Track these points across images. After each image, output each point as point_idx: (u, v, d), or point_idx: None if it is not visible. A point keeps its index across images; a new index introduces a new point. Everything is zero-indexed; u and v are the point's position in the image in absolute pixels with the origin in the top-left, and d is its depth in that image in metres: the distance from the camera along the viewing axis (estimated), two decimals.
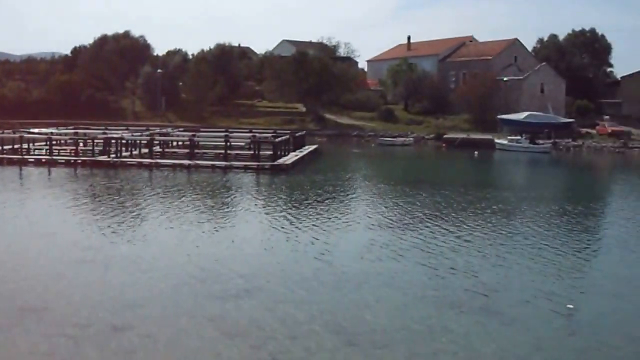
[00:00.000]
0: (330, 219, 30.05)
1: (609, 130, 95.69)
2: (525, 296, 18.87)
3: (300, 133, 68.64)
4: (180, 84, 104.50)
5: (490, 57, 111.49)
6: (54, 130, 59.87)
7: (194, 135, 57.21)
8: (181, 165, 49.18)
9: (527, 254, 24.08)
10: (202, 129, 69.53)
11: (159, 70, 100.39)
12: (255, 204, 34.40)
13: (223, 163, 49.64)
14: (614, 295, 19.56)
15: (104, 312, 16.51)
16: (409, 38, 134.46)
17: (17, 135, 54.93)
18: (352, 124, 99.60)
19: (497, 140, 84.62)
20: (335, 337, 15.16)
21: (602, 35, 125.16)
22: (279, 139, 55.99)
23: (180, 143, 60.84)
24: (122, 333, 15.11)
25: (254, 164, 49.71)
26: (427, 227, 28.66)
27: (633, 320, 17.34)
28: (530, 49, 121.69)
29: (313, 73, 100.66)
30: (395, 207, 34.25)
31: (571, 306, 17.78)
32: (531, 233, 28.23)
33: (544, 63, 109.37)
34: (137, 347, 14.38)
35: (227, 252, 23.45)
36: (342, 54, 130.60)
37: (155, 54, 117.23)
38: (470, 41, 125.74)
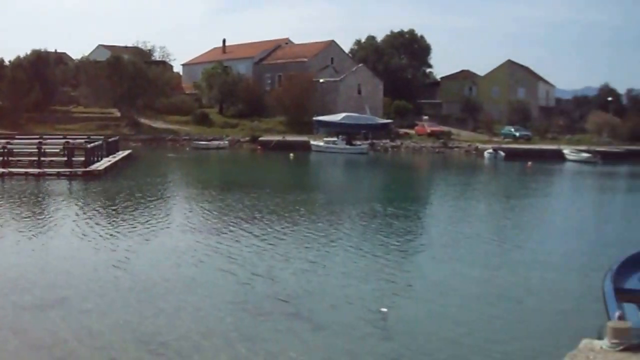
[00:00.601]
0: (136, 225, 31.43)
1: (428, 131, 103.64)
2: (336, 301, 19.62)
3: (113, 138, 71.58)
4: None
5: (306, 59, 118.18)
6: None
7: (8, 143, 58.49)
8: None
9: (337, 258, 25.22)
10: (17, 136, 70.71)
11: None
12: (64, 212, 35.51)
13: (36, 170, 51.72)
14: (427, 298, 20.41)
15: None
16: (224, 41, 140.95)
17: None
18: (167, 128, 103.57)
19: (313, 142, 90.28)
20: (141, 346, 15.75)
21: (422, 36, 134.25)
22: (92, 144, 58.63)
23: None
24: None
25: (66, 170, 52.03)
26: (232, 231, 30.00)
27: (446, 323, 18.02)
28: (347, 50, 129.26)
29: (127, 78, 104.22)
30: (202, 212, 36.23)
31: (384, 309, 18.26)
32: (342, 236, 29.63)
33: (361, 64, 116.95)
34: None
35: (31, 261, 23.93)
36: (157, 58, 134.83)
37: None
38: (286, 43, 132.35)
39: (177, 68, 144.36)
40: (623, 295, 16.68)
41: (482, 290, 21.58)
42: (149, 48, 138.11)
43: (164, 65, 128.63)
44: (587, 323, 17.60)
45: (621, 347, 12.25)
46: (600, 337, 13.27)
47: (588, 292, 20.53)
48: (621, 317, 13.69)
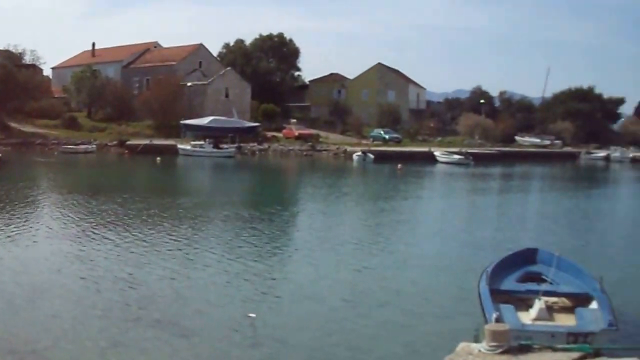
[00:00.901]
0: None
1: (296, 134, 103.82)
2: (201, 307, 18.76)
3: None
4: None
5: (174, 63, 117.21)
6: None
7: None
8: None
9: (201, 264, 24.09)
10: None
11: None
12: None
13: None
14: (295, 303, 19.64)
15: None
16: (93, 45, 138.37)
17: None
18: (36, 132, 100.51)
19: (180, 146, 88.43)
20: (10, 357, 14.86)
21: (291, 40, 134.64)
22: None
23: None
24: None
25: None
26: (94, 238, 28.39)
27: (316, 329, 17.34)
28: (216, 54, 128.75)
29: None
30: (65, 218, 34.40)
31: (253, 315, 17.50)
32: (206, 241, 28.46)
33: (229, 68, 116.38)
34: None
35: None
36: (27, 61, 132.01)
37: None
38: (155, 47, 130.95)
39: (47, 71, 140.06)
40: (499, 296, 15.90)
41: (351, 295, 20.36)
42: (19, 51, 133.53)
43: (34, 68, 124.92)
44: (464, 326, 16.63)
45: (500, 350, 11.51)
46: (477, 340, 12.52)
47: (463, 294, 19.58)
48: (498, 319, 13.23)
